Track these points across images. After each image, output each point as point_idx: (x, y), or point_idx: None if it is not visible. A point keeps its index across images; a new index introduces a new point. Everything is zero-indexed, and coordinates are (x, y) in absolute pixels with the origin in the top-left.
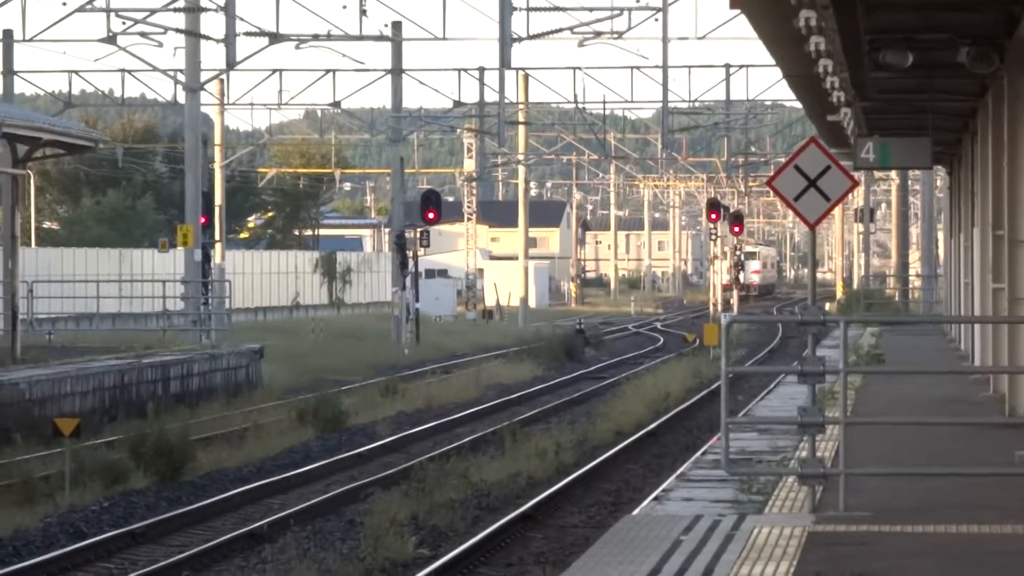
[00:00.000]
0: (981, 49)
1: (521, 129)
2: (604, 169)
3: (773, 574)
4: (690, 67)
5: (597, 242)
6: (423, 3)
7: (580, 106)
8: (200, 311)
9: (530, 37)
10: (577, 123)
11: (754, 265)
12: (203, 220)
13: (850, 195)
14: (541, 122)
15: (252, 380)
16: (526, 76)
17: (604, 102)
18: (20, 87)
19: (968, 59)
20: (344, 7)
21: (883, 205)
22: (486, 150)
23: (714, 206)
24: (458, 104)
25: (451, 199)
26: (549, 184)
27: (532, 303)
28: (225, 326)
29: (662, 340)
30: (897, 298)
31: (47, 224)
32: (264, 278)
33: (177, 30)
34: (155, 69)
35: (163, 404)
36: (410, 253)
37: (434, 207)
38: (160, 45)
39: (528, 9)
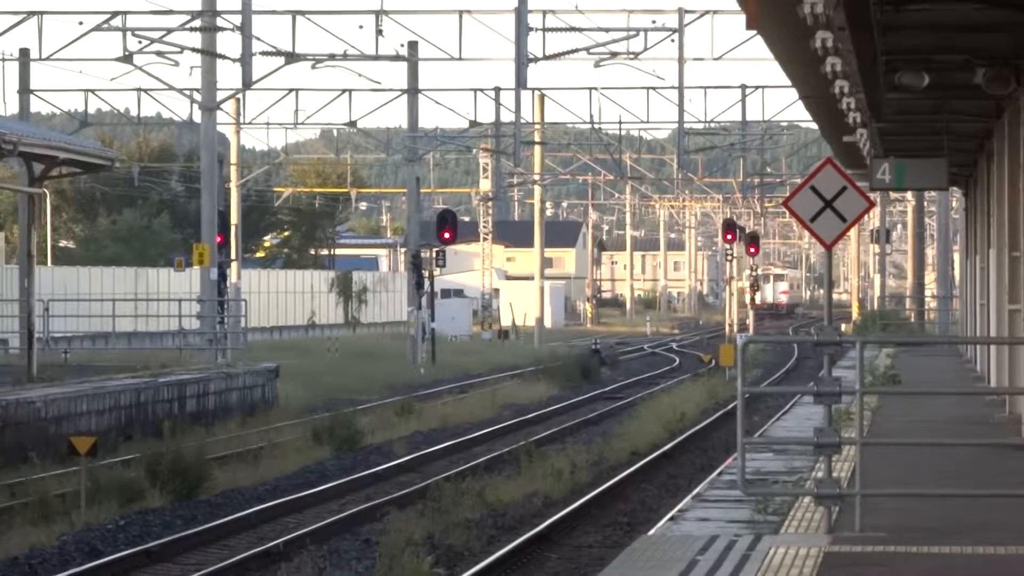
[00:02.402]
0: (998, 70)
1: (537, 149)
2: (620, 189)
3: None
4: (706, 88)
5: (613, 262)
6: (439, 23)
7: (596, 126)
8: (216, 330)
9: (546, 57)
10: (593, 143)
11: (782, 286)
12: (219, 239)
13: (866, 216)
14: (557, 142)
15: (268, 399)
16: (542, 96)
17: (620, 122)
18: (36, 106)
19: (984, 80)
20: (360, 27)
21: (899, 226)
22: (502, 170)
23: (730, 227)
24: (474, 124)
25: (467, 219)
26: (565, 204)
27: (548, 323)
28: (241, 345)
29: (678, 360)
30: (913, 319)
31: (63, 243)
32: (280, 297)
33: (193, 49)
34: (171, 88)
35: (179, 423)
36: (426, 273)
37: (450, 227)
38: (176, 64)
39: (544, 30)
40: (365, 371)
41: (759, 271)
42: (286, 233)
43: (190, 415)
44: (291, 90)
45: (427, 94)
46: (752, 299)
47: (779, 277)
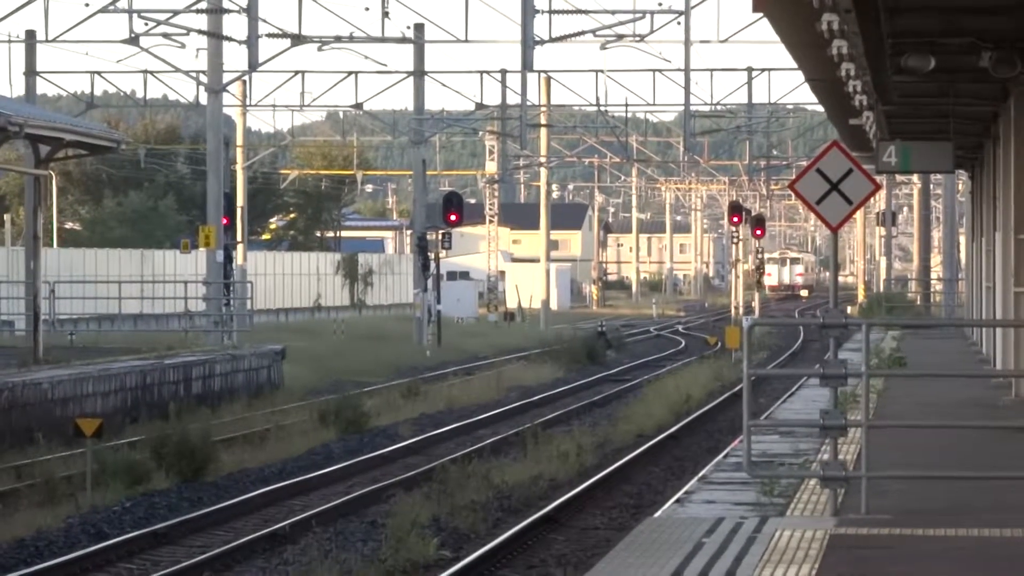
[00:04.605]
0: (1004, 53)
1: (543, 131)
2: (626, 172)
3: None
4: (712, 70)
5: (619, 245)
6: (445, 5)
7: (602, 109)
8: (222, 312)
9: (552, 40)
10: (599, 126)
11: (799, 268)
12: (225, 221)
13: (872, 199)
14: (563, 124)
15: (274, 381)
16: (548, 79)
17: (626, 105)
18: (43, 88)
19: (991, 63)
20: (367, 9)
21: (905, 209)
22: (508, 152)
23: (736, 209)
24: (480, 106)
25: (473, 201)
26: (571, 186)
27: (554, 305)
28: (247, 327)
29: (683, 343)
30: (919, 302)
31: (69, 225)
32: (286, 279)
33: (200, 31)
34: (177, 70)
35: (185, 405)
36: (432, 255)
37: (456, 209)
38: (183, 46)
39: (550, 12)
40: (371, 353)
41: (777, 254)
42: (292, 215)
43: (196, 397)
44: (297, 72)
45: (433, 76)
46: (759, 281)
47: (795, 260)
